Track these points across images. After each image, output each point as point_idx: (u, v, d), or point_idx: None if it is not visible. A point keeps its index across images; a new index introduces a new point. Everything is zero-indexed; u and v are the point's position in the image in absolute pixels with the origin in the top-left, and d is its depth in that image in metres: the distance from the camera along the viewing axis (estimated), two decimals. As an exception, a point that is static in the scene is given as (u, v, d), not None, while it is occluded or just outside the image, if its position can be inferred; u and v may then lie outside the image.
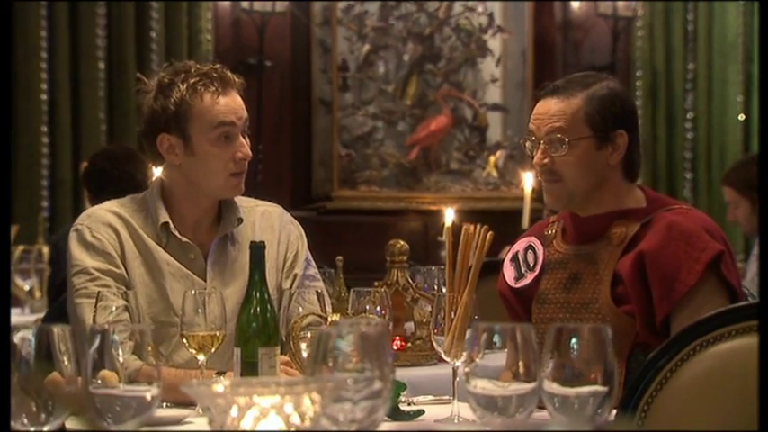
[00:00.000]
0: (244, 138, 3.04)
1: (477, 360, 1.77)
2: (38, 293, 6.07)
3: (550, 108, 2.98)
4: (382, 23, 8.64)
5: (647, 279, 2.87)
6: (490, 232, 2.71)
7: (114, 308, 2.78)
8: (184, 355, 2.86)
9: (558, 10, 8.97)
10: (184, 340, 2.61)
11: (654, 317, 2.86)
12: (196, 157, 3.01)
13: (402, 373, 3.44)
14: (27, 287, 6.12)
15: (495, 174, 8.79)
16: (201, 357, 2.62)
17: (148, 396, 1.68)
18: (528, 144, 3.01)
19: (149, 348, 1.75)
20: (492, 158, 8.80)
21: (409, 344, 3.84)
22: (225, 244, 3.08)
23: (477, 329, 1.76)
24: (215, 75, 3.01)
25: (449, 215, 6.51)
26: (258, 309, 2.59)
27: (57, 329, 1.64)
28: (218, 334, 2.61)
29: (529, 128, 3.02)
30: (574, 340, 1.71)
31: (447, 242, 2.80)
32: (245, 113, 3.04)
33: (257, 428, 1.49)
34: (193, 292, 2.63)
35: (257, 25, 8.13)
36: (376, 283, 3.87)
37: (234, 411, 1.49)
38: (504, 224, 5.31)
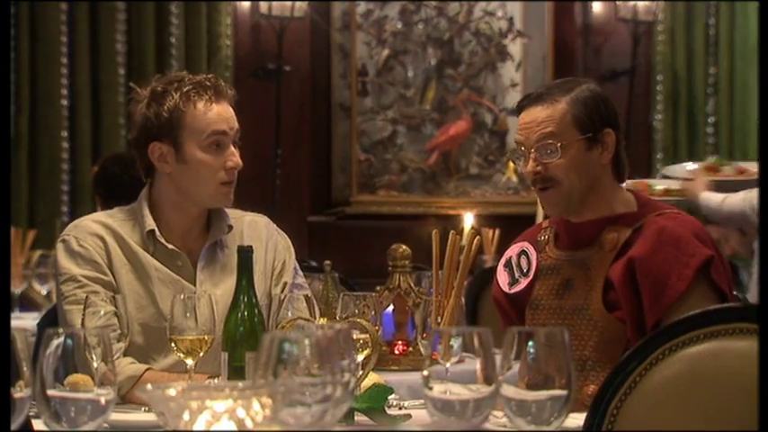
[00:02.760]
0: (235, 148, 3.05)
1: (447, 365, 1.79)
2: (55, 298, 6.09)
3: (537, 116, 2.97)
4: (402, 28, 8.66)
5: (637, 285, 2.86)
6: (477, 236, 2.71)
7: (102, 313, 2.79)
8: (174, 360, 2.87)
9: (578, 14, 8.95)
10: (173, 344, 2.61)
11: (645, 322, 2.85)
12: (187, 164, 3.02)
13: (403, 378, 3.46)
14: (44, 292, 6.14)
15: (514, 178, 8.78)
16: (190, 361, 2.62)
17: (103, 400, 1.70)
18: (517, 156, 3.01)
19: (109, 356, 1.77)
20: (511, 163, 8.78)
21: (411, 348, 3.85)
22: (214, 249, 3.09)
23: (440, 334, 1.77)
24: (208, 84, 3.03)
25: (468, 220, 6.52)
26: (246, 313, 2.60)
27: (16, 334, 1.65)
28: (206, 338, 2.61)
29: (516, 139, 3.02)
30: (531, 344, 1.71)
31: (434, 245, 2.79)
32: (236, 124, 3.05)
33: (210, 432, 1.49)
34: (182, 296, 2.63)
35: (276, 30, 8.16)
36: (378, 288, 3.88)
37: (186, 415, 1.50)
38: (523, 228, 5.30)
